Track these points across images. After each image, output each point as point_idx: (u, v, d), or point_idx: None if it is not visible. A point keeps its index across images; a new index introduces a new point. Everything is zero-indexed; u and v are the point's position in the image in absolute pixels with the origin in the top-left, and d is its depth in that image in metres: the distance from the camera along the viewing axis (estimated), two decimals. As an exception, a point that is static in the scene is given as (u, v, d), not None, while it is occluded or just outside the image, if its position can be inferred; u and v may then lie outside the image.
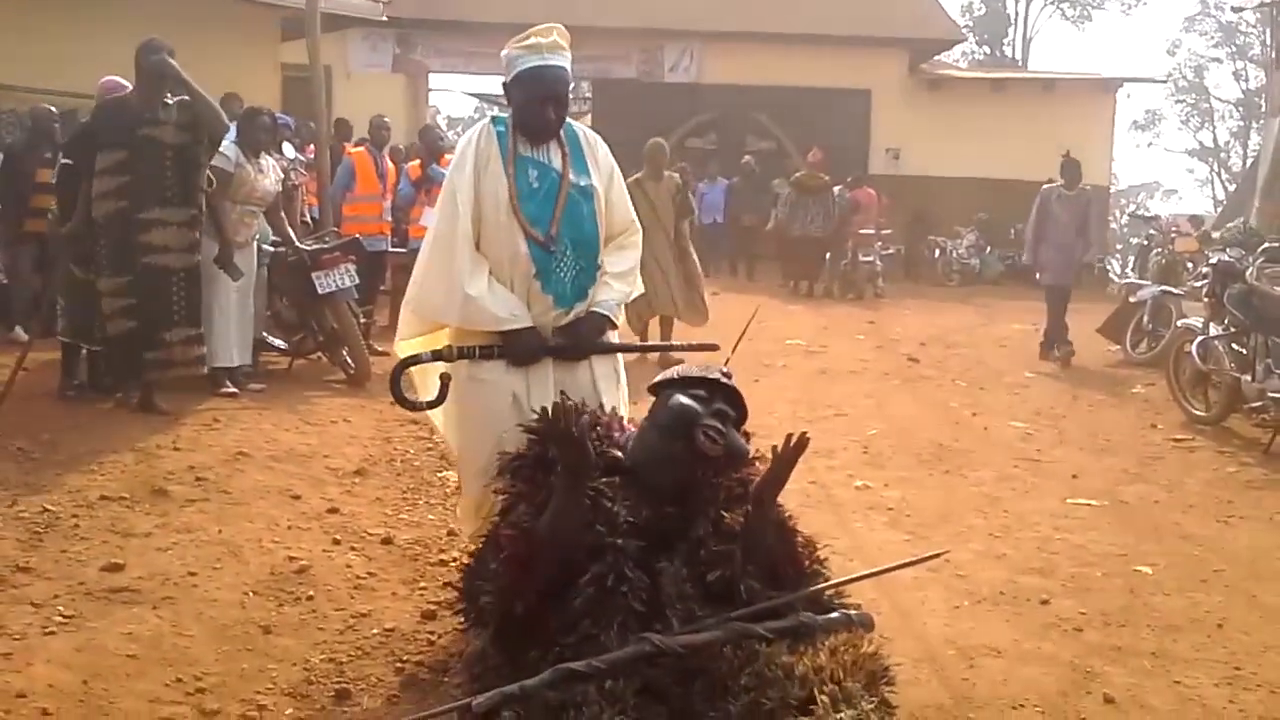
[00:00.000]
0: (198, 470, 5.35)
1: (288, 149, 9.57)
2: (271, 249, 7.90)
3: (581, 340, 3.54)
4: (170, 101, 6.33)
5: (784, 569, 2.99)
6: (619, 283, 3.63)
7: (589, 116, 23.67)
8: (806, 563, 3.04)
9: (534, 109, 3.49)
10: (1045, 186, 11.04)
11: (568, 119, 3.63)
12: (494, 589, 2.97)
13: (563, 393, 3.29)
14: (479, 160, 3.51)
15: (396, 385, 3.66)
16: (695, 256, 10.05)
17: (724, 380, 3.06)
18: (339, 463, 5.83)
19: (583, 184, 3.55)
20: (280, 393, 7.33)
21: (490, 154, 3.51)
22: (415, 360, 3.65)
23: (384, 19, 15.50)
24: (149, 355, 6.32)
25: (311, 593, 4.03)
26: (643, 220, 9.85)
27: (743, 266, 17.90)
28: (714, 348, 3.88)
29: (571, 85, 3.66)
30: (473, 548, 3.48)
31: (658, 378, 3.13)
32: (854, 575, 3.29)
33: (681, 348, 4.05)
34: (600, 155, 3.66)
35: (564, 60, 3.52)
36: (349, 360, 7.93)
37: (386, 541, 4.67)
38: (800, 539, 3.04)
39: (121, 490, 4.97)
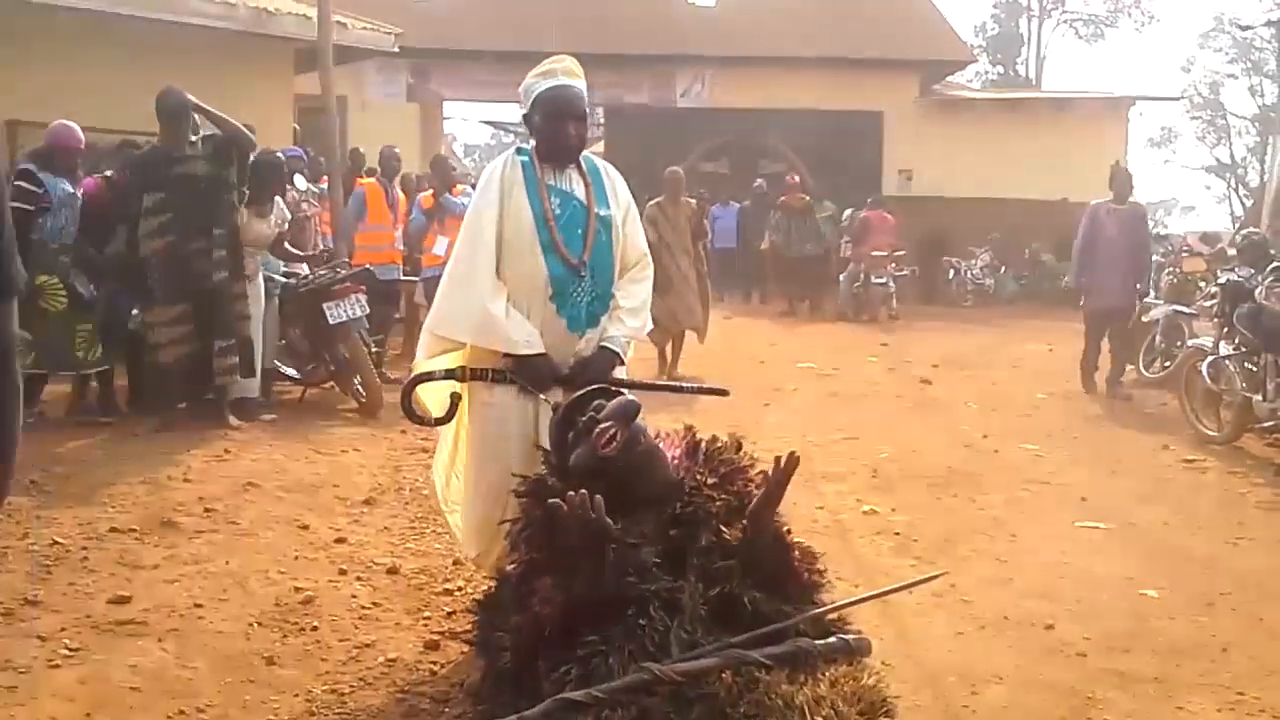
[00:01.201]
0: (207, 501, 5.40)
1: (299, 180, 9.66)
2: (283, 279, 7.99)
3: (592, 376, 3.56)
4: (194, 139, 6.91)
5: (784, 583, 3.00)
6: (630, 319, 3.71)
7: (602, 144, 23.80)
8: (806, 575, 3.03)
9: (554, 128, 3.61)
10: (1094, 202, 10.22)
11: (589, 155, 3.77)
12: (514, 644, 3.00)
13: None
14: (504, 187, 3.61)
15: (407, 399, 3.73)
16: (707, 278, 10.84)
17: (563, 406, 3.21)
18: (348, 492, 5.87)
19: (603, 214, 3.66)
20: (292, 422, 7.40)
21: (515, 181, 3.62)
22: (428, 377, 3.72)
23: (396, 50, 15.60)
24: (209, 371, 6.92)
25: (316, 623, 4.06)
26: (667, 241, 10.44)
27: (756, 291, 17.93)
28: (724, 393, 3.95)
29: (588, 113, 3.76)
30: (483, 586, 3.50)
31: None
32: (856, 598, 3.30)
33: (691, 390, 4.09)
34: (619, 189, 3.78)
35: (579, 84, 3.66)
36: (360, 389, 7.98)
37: (392, 571, 4.69)
38: (798, 552, 3.04)
39: (131, 522, 5.02)
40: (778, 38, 19.77)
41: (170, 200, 6.80)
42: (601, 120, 23.14)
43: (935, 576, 4.04)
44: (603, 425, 3.04)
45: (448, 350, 3.79)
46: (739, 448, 3.30)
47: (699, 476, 3.15)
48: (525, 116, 3.72)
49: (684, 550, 3.00)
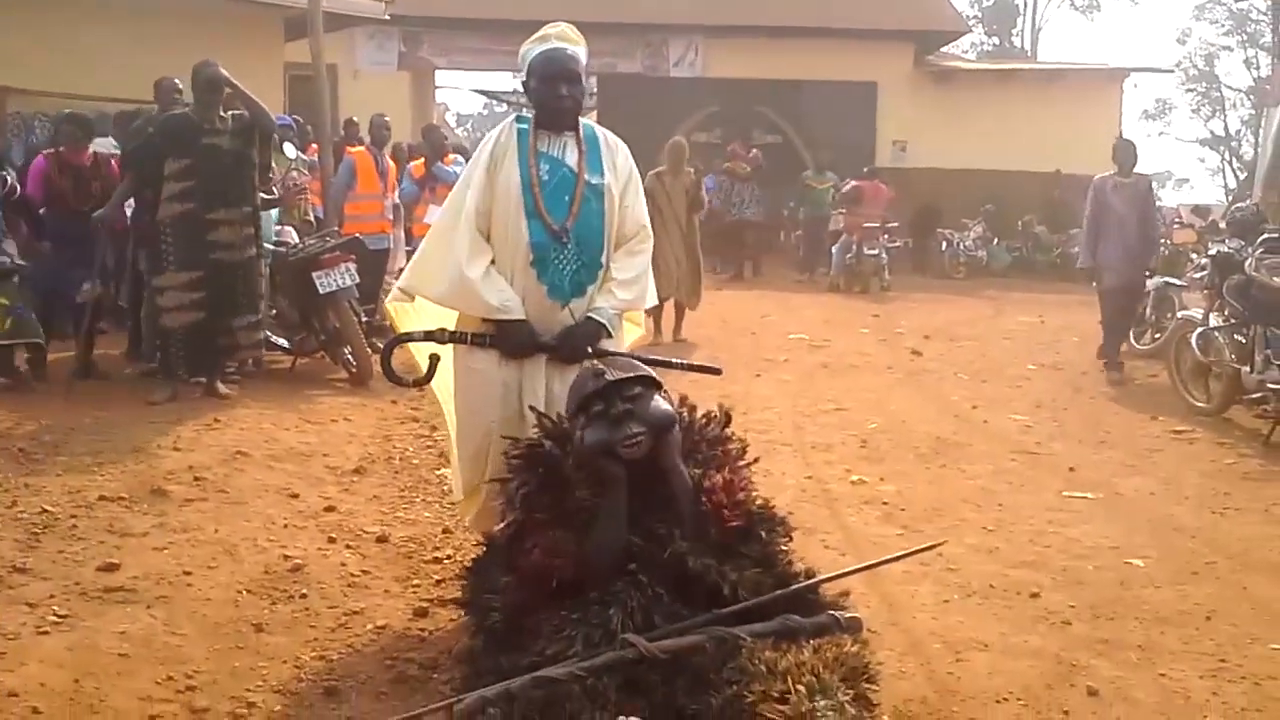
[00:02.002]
0: (197, 470, 5.40)
1: (289, 149, 9.60)
2: (273, 249, 7.97)
3: (575, 345, 3.56)
4: (225, 114, 7.00)
5: (705, 531, 2.99)
6: (622, 290, 3.67)
7: (595, 112, 23.66)
8: (732, 520, 3.01)
9: (548, 89, 3.60)
10: (1098, 176, 9.78)
11: (591, 123, 3.76)
12: (505, 604, 3.03)
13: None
14: (496, 153, 3.63)
15: (386, 361, 3.75)
16: (699, 249, 10.99)
17: (607, 379, 3.07)
18: (338, 461, 5.87)
19: (594, 182, 3.63)
20: (282, 392, 7.39)
21: (509, 147, 3.63)
22: (407, 338, 3.75)
23: (387, 17, 15.51)
24: (220, 342, 7.01)
25: (305, 591, 4.07)
26: (661, 210, 10.50)
27: (748, 262, 17.91)
28: (717, 371, 3.94)
29: (584, 76, 3.72)
30: (473, 553, 3.52)
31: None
32: (850, 569, 3.31)
33: (683, 367, 4.02)
34: (620, 159, 3.75)
35: (574, 48, 3.64)
36: (350, 359, 7.97)
37: (382, 540, 4.70)
38: (712, 499, 3.02)
39: (120, 490, 5.02)
40: (771, 7, 19.68)
41: (195, 168, 6.84)
42: (594, 89, 23.04)
43: (931, 547, 4.05)
44: (637, 431, 3.01)
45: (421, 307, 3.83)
46: (728, 421, 3.31)
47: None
48: (524, 84, 3.73)
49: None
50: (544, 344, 3.57)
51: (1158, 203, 9.91)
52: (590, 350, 3.56)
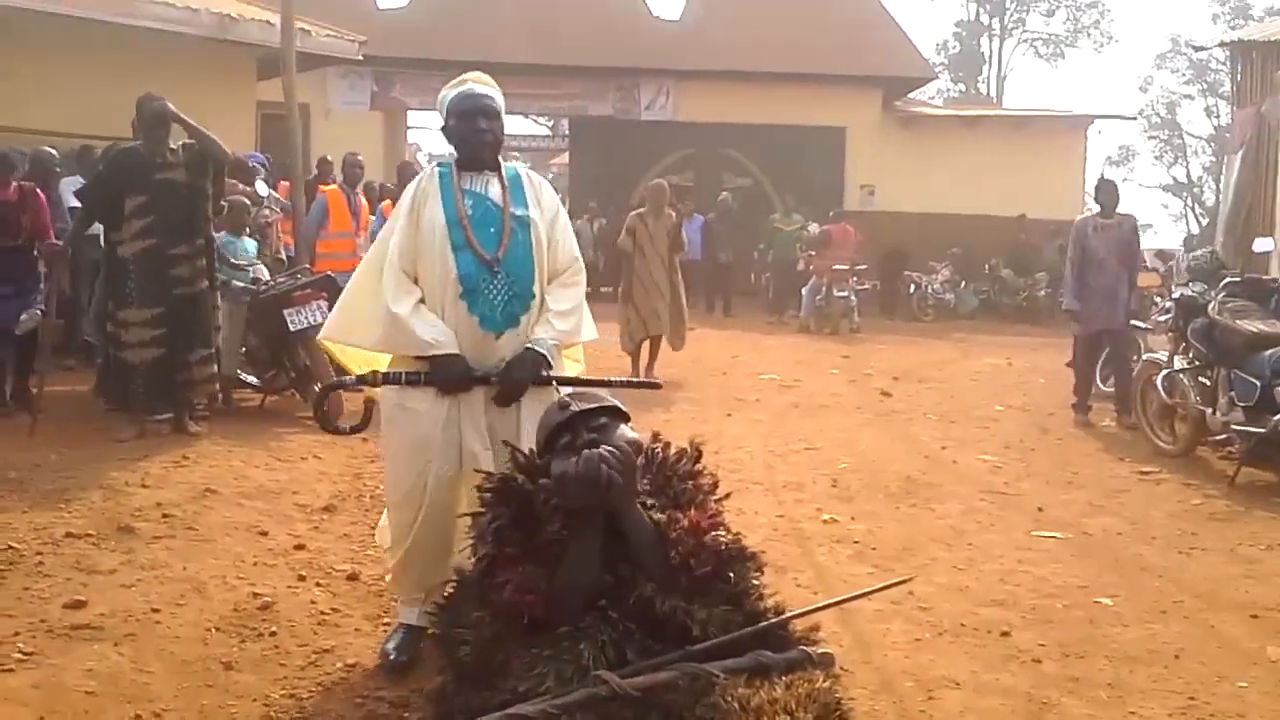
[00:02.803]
0: (165, 507, 5.35)
1: (260, 186, 9.61)
2: (244, 286, 7.95)
3: (519, 377, 3.54)
4: (175, 146, 6.96)
5: (674, 579, 2.96)
6: (560, 321, 3.65)
7: (566, 155, 23.81)
8: (700, 569, 2.95)
9: (467, 125, 3.63)
10: (1079, 218, 9.71)
11: (512, 164, 3.78)
12: (476, 640, 3.00)
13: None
14: (419, 198, 3.64)
15: (320, 410, 3.74)
16: (682, 289, 11.08)
17: (572, 410, 3.06)
18: (308, 499, 5.84)
19: (519, 214, 3.63)
20: (251, 429, 7.34)
21: (430, 191, 3.64)
22: (340, 385, 3.74)
23: (360, 58, 15.56)
24: (179, 377, 6.97)
25: (275, 629, 4.03)
26: (643, 250, 10.63)
27: (719, 303, 18.02)
28: (656, 386, 3.94)
29: (502, 116, 3.74)
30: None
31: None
32: (820, 605, 3.32)
33: (621, 384, 3.94)
34: (545, 196, 3.76)
35: (490, 90, 3.69)
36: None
37: (352, 578, 4.67)
38: (685, 547, 2.96)
39: (88, 527, 4.97)
40: (742, 52, 19.92)
41: (152, 204, 6.81)
42: (566, 131, 23.16)
43: (902, 581, 4.07)
44: (609, 472, 2.95)
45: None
46: (699, 457, 3.31)
47: (645, 482, 3.17)
48: (443, 128, 3.74)
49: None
50: (481, 377, 3.54)
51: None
52: (533, 380, 3.55)
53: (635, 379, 3.85)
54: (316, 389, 7.85)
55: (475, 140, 3.64)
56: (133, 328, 6.87)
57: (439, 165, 3.73)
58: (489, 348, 3.55)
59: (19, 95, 10.19)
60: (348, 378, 3.70)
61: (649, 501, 3.13)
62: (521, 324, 3.60)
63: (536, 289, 3.64)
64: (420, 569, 3.67)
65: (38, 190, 7.84)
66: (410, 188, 3.70)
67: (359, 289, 3.70)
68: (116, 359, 7.15)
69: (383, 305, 3.51)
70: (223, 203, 7.55)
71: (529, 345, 3.57)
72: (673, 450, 3.32)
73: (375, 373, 3.60)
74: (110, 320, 7.15)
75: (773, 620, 3.02)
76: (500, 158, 3.76)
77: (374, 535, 4.15)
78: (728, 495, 3.31)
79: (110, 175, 7.01)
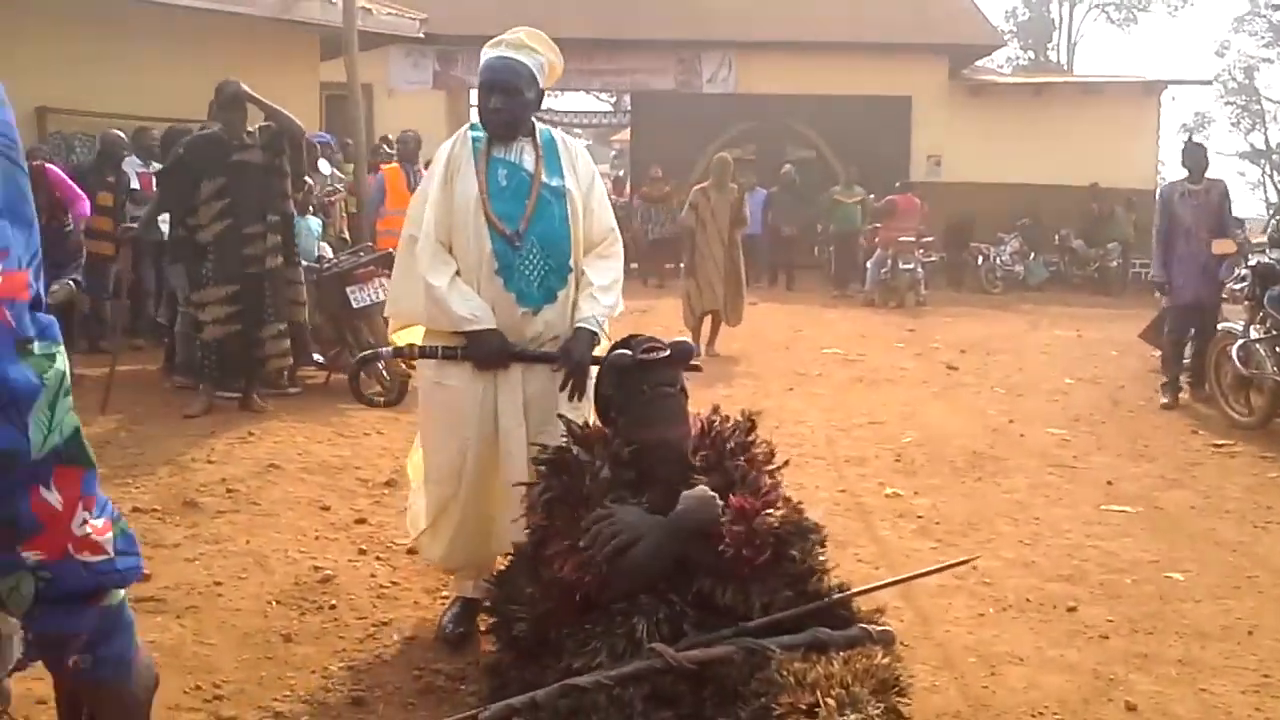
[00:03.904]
0: (229, 483, 5.42)
1: (324, 166, 9.69)
2: (309, 264, 8.03)
3: (578, 360, 3.47)
4: (252, 129, 7.12)
5: (734, 570, 2.93)
6: (604, 296, 3.59)
7: (628, 131, 23.73)
8: (756, 559, 2.92)
9: (483, 100, 3.55)
10: (1167, 184, 9.13)
11: (548, 128, 3.70)
12: (530, 616, 3.01)
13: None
14: (451, 165, 3.57)
15: (355, 381, 3.72)
16: (742, 265, 10.98)
17: (639, 357, 3.16)
18: (369, 474, 5.88)
19: (554, 184, 3.56)
20: (315, 406, 7.42)
21: (463, 157, 3.57)
22: (375, 357, 3.73)
23: (422, 36, 15.61)
24: (253, 353, 7.12)
25: (334, 602, 4.07)
26: (705, 224, 10.62)
27: (782, 276, 17.88)
28: (698, 369, 3.82)
29: (537, 81, 3.60)
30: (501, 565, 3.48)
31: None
32: (882, 583, 3.27)
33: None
34: (581, 163, 3.69)
35: (523, 55, 3.56)
36: (384, 373, 8.00)
37: (412, 551, 4.66)
38: (738, 536, 2.92)
39: (154, 502, 5.05)
40: (805, 22, 19.66)
41: (229, 186, 6.94)
42: (628, 106, 23.06)
43: (965, 562, 4.00)
44: (652, 340, 3.13)
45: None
46: (751, 428, 3.27)
47: (699, 457, 3.14)
48: None
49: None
50: (519, 353, 3.49)
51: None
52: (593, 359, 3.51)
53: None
54: (382, 367, 7.98)
55: (489, 118, 3.56)
56: (209, 307, 7.00)
57: (471, 130, 3.64)
58: (526, 323, 3.50)
59: (87, 81, 10.37)
60: (385, 349, 3.70)
61: (702, 479, 3.10)
62: (559, 299, 3.55)
63: (574, 262, 3.58)
64: (464, 546, 3.66)
65: (46, 167, 8.04)
66: (442, 153, 3.62)
67: (401, 262, 3.68)
68: (189, 339, 7.34)
69: (420, 278, 3.47)
70: (305, 179, 7.68)
71: (580, 325, 3.51)
72: (729, 424, 3.29)
73: (412, 346, 3.60)
74: (188, 303, 7.35)
75: (832, 598, 2.98)
76: (534, 120, 3.66)
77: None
78: (785, 464, 3.27)
79: (188, 160, 7.11)
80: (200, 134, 7.39)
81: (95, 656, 1.08)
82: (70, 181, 8.57)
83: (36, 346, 1.01)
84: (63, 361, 1.04)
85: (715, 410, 3.33)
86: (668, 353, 3.19)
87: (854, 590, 3.04)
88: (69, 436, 1.03)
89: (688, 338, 3.60)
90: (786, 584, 2.97)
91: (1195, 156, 8.83)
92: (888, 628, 2.98)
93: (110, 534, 1.06)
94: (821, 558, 3.08)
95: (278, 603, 4.03)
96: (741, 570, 2.91)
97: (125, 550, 1.07)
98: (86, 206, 8.63)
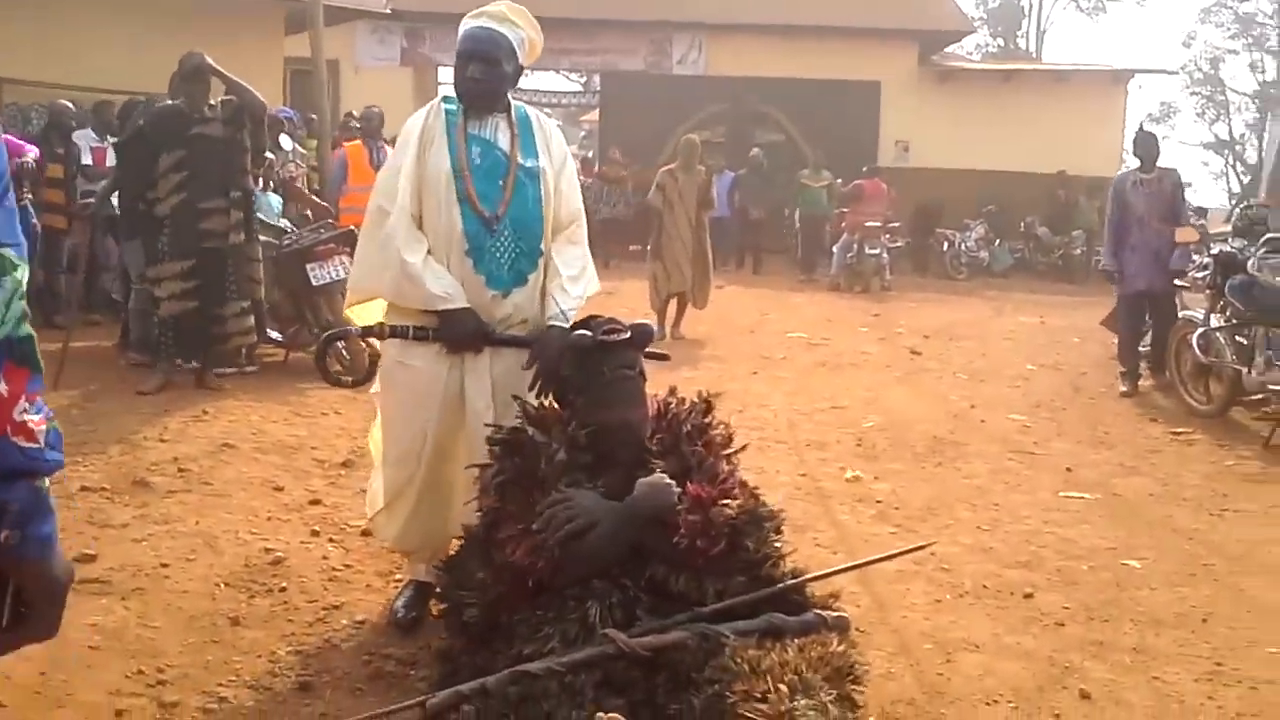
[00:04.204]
0: (181, 461, 5.34)
1: (285, 141, 9.55)
2: (268, 240, 7.91)
3: (549, 355, 3.34)
4: (214, 102, 6.99)
5: (692, 559, 2.90)
6: (574, 286, 3.49)
7: (597, 111, 23.59)
8: (711, 550, 2.89)
9: (460, 70, 3.46)
10: (1119, 174, 9.08)
11: (523, 105, 3.61)
12: (481, 601, 2.96)
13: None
14: (425, 136, 3.46)
15: (322, 359, 3.64)
16: (709, 247, 10.98)
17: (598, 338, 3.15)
18: (326, 454, 5.81)
19: (529, 165, 3.48)
20: (273, 384, 7.33)
21: (437, 129, 3.47)
22: (343, 334, 3.65)
23: (389, 12, 15.46)
24: (213, 330, 7.00)
25: (285, 584, 4.00)
26: (672, 205, 10.56)
27: (749, 259, 17.86)
28: (665, 357, 3.76)
29: (516, 55, 3.51)
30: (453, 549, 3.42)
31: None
32: (835, 569, 3.25)
33: None
34: (554, 142, 3.60)
35: (505, 28, 3.47)
36: (344, 352, 7.90)
37: (366, 534, 4.60)
38: (694, 525, 2.88)
39: (103, 481, 4.96)
40: (775, 5, 19.60)
41: (188, 160, 6.82)
42: (597, 86, 22.92)
43: (922, 547, 3.98)
44: (613, 321, 3.12)
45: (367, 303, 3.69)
46: (708, 410, 3.23)
47: (655, 441, 3.11)
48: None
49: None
50: (492, 335, 3.41)
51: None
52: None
53: (649, 350, 3.62)
54: (341, 346, 7.88)
55: (467, 88, 3.47)
56: (165, 282, 6.89)
57: (445, 102, 3.54)
58: (495, 306, 3.42)
59: (46, 52, 10.19)
60: (352, 328, 3.62)
61: (659, 463, 3.06)
62: (529, 281, 3.47)
63: (544, 244, 3.51)
64: (419, 528, 3.58)
65: (3, 137, 7.87)
66: (415, 124, 3.51)
67: (368, 235, 3.54)
68: (144, 315, 7.24)
69: (394, 252, 3.35)
70: (266, 155, 7.56)
71: (552, 321, 3.40)
72: (686, 406, 3.25)
73: (381, 325, 3.49)
74: (142, 279, 7.25)
75: (787, 584, 2.95)
76: (510, 97, 3.58)
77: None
78: (743, 448, 3.23)
79: (148, 132, 7.00)
80: (162, 106, 7.27)
81: (24, 533, 1.22)
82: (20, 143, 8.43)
83: (9, 252, 1.19)
84: (24, 274, 1.22)
85: (672, 392, 3.29)
86: (628, 334, 3.15)
87: (808, 576, 3.01)
88: (22, 339, 1.20)
89: (651, 320, 3.55)
90: (740, 570, 2.94)
91: (1146, 145, 8.82)
92: (843, 614, 2.96)
93: (45, 427, 1.22)
94: (777, 544, 3.05)
95: (226, 585, 3.96)
96: (695, 560, 2.87)
97: (54, 445, 1.23)
98: (35, 154, 8.50)
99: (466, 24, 3.49)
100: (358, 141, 10.10)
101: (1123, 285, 8.84)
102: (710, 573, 2.90)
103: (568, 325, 3.38)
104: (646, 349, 3.36)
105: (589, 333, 3.15)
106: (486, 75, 3.44)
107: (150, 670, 3.26)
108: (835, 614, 2.95)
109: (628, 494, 2.94)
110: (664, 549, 2.89)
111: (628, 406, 3.09)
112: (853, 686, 2.71)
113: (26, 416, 1.21)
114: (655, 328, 3.45)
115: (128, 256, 7.66)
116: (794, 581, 2.98)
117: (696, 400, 3.23)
